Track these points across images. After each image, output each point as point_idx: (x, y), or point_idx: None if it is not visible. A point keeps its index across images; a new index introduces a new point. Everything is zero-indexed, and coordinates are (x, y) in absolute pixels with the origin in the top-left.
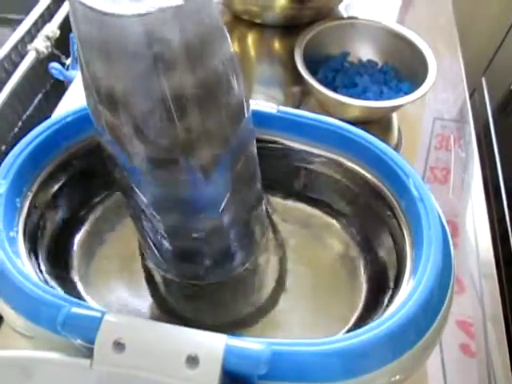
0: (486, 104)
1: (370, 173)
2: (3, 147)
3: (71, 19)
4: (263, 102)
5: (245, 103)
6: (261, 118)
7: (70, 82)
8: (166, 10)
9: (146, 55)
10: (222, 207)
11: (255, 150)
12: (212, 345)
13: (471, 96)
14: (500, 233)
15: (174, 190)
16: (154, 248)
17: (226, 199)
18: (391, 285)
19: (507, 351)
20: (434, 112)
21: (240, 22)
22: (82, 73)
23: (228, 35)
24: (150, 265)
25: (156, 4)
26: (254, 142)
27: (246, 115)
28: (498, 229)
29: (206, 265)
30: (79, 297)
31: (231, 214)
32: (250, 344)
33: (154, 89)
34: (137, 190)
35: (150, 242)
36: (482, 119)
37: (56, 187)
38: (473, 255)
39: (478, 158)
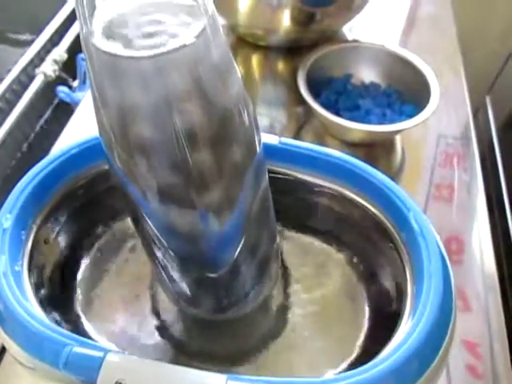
0: (490, 122)
1: (372, 205)
2: (13, 162)
3: (85, 55)
4: (265, 134)
5: (256, 138)
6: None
7: (77, 104)
8: (179, 50)
9: (158, 92)
10: (236, 253)
11: (268, 187)
12: None
13: (476, 114)
14: (505, 250)
15: (187, 238)
16: (165, 277)
17: (241, 244)
18: (393, 318)
19: (510, 371)
20: (439, 130)
21: (244, 44)
22: (95, 105)
23: (238, 70)
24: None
25: (167, 43)
26: (266, 177)
27: (258, 150)
28: (503, 246)
29: (220, 300)
30: (83, 330)
31: (249, 260)
32: None
33: (165, 126)
34: (151, 225)
35: (160, 270)
36: (486, 137)
37: (60, 218)
38: (478, 273)
39: (482, 177)
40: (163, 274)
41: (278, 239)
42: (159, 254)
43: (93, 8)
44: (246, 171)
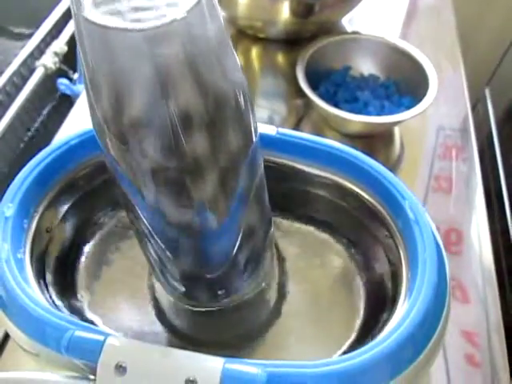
0: (489, 114)
1: (368, 193)
2: (15, 154)
3: (75, 33)
4: (263, 125)
5: (252, 123)
6: (260, 140)
7: (77, 96)
8: (170, 24)
9: (150, 70)
10: (231, 242)
11: (263, 176)
12: (210, 368)
13: (475, 106)
14: (503, 241)
15: (180, 229)
16: (158, 270)
17: (235, 234)
18: (388, 303)
19: (507, 361)
20: (438, 122)
21: (244, 36)
22: (86, 90)
23: (234, 50)
24: (156, 285)
25: (159, 16)
26: (262, 165)
27: (254, 137)
28: (502, 238)
29: (214, 292)
30: (85, 316)
31: (244, 251)
32: (246, 367)
33: (159, 105)
34: (144, 219)
35: (153, 262)
36: (485, 129)
37: (62, 207)
38: (477, 264)
39: (480, 169)
40: (156, 266)
41: (272, 228)
42: (152, 247)
43: None
44: (242, 158)
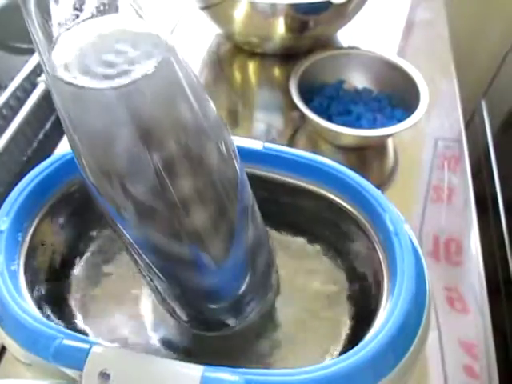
0: (485, 126)
1: (351, 206)
2: (18, 170)
3: (50, 90)
4: (250, 140)
5: (235, 161)
6: (247, 155)
7: None
8: (139, 81)
9: (125, 122)
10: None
11: (259, 216)
12: (190, 376)
13: (472, 118)
14: (499, 252)
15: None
16: (158, 296)
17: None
18: (371, 311)
19: (496, 372)
20: (433, 134)
21: (240, 51)
22: (70, 145)
23: (209, 98)
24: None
25: (129, 73)
26: (250, 195)
27: (239, 174)
28: (497, 248)
29: (220, 321)
30: (77, 327)
31: (248, 283)
32: (225, 375)
33: (139, 158)
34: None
35: (151, 289)
36: (482, 141)
37: (56, 221)
38: (475, 275)
39: (474, 180)
40: (155, 294)
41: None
42: (147, 275)
43: (50, 39)
44: (228, 195)
